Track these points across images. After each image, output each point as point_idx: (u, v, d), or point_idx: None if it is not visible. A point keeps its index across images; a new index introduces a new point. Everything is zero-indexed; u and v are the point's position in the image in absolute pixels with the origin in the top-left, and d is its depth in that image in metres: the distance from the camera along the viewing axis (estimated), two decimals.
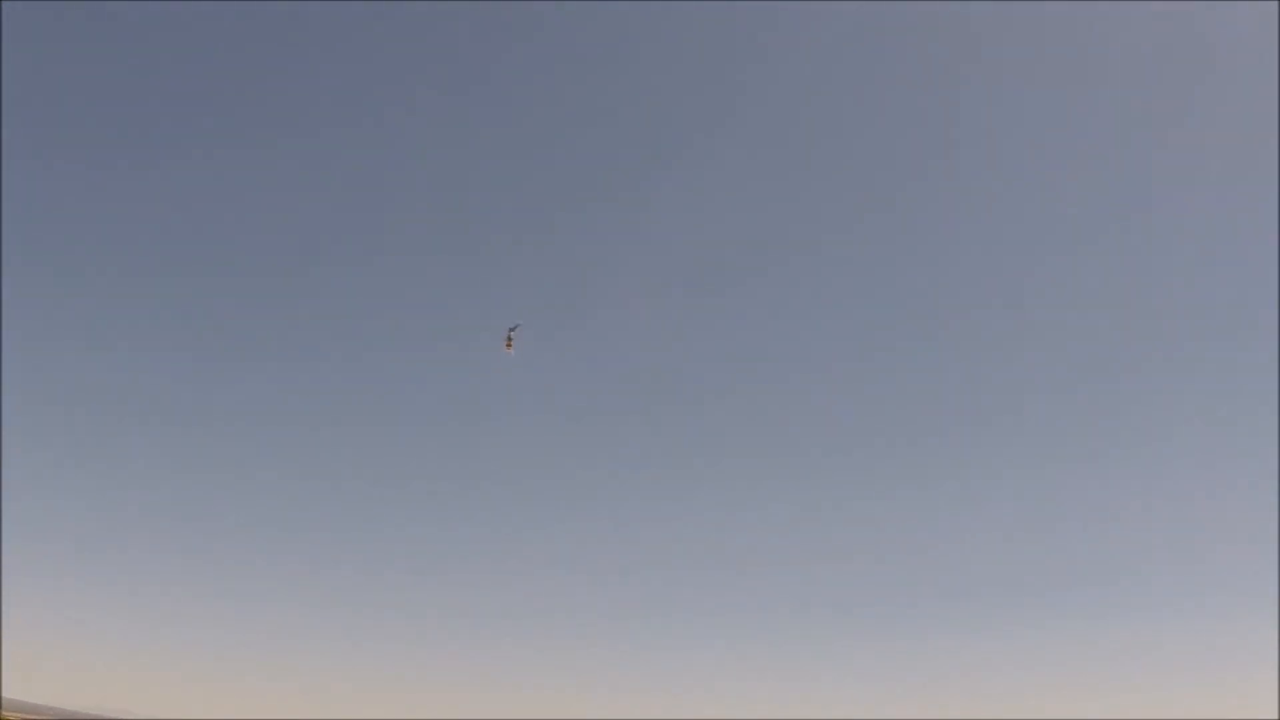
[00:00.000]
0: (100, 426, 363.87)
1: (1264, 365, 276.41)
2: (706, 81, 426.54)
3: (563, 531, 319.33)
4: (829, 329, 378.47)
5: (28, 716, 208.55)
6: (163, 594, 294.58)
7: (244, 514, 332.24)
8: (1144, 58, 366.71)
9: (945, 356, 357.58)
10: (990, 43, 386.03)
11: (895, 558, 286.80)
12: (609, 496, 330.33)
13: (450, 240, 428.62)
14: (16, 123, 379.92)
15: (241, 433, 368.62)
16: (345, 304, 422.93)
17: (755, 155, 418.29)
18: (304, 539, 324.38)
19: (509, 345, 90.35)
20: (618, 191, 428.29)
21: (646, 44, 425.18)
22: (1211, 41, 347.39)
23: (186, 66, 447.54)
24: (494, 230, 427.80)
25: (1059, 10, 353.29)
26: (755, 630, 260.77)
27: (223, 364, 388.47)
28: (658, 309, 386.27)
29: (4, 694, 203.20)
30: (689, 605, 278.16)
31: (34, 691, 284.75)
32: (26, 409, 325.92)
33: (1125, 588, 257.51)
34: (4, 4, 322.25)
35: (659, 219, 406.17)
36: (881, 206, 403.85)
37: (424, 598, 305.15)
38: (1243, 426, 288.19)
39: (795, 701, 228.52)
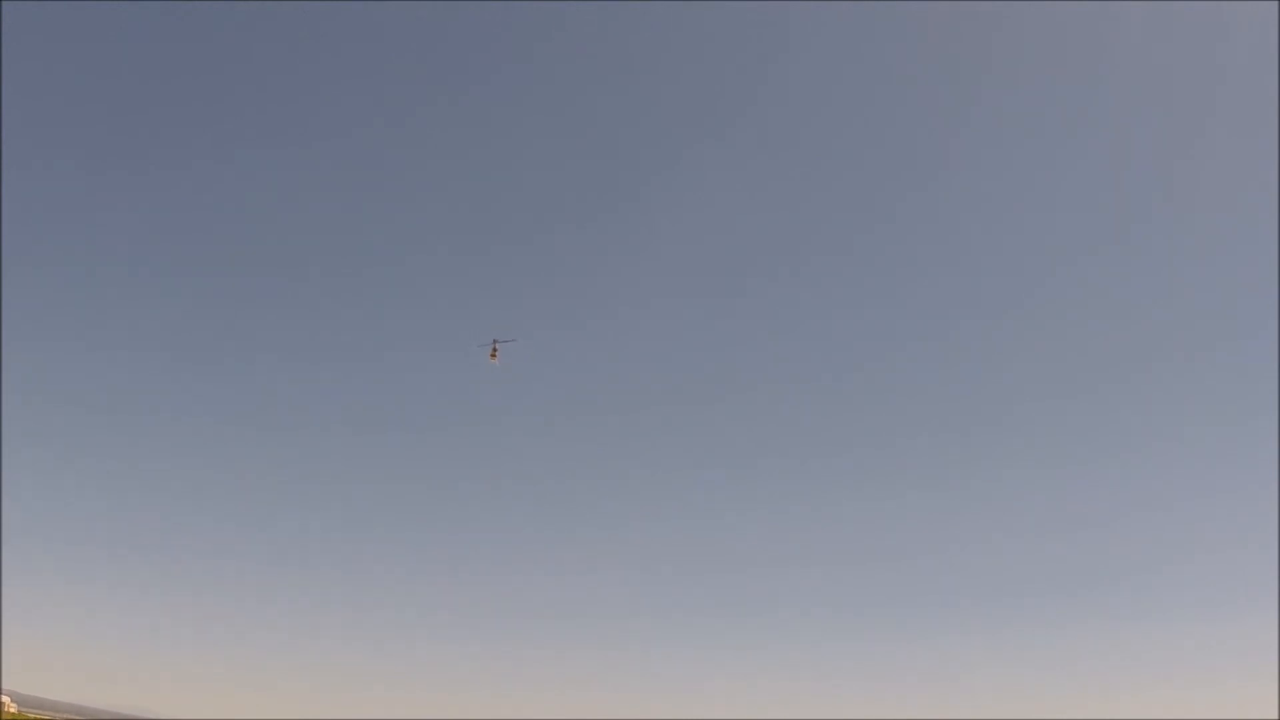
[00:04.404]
0: (100, 426, 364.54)
1: (1264, 368, 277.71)
2: (712, 84, 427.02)
3: (567, 534, 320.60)
4: (834, 331, 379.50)
5: (36, 713, 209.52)
6: (165, 593, 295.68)
7: (246, 514, 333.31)
8: (1143, 58, 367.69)
9: (951, 359, 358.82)
10: (992, 45, 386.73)
11: (899, 560, 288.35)
12: (613, 498, 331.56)
13: (453, 242, 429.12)
14: (16, 123, 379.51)
15: (244, 434, 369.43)
16: (349, 306, 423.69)
17: (759, 159, 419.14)
18: (306, 539, 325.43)
19: (494, 355, 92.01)
20: (621, 195, 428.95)
21: (651, 46, 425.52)
22: (1211, 41, 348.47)
23: (187, 67, 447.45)
24: (497, 233, 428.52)
25: (1056, 11, 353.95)
26: (758, 632, 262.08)
27: (224, 365, 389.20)
28: (660, 313, 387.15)
29: (13, 690, 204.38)
30: (690, 607, 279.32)
31: (41, 687, 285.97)
32: (26, 409, 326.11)
33: (1126, 589, 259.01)
34: (4, 4, 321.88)
35: (663, 222, 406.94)
36: (884, 210, 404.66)
37: (427, 599, 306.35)
38: (1243, 428, 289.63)
39: (798, 703, 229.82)
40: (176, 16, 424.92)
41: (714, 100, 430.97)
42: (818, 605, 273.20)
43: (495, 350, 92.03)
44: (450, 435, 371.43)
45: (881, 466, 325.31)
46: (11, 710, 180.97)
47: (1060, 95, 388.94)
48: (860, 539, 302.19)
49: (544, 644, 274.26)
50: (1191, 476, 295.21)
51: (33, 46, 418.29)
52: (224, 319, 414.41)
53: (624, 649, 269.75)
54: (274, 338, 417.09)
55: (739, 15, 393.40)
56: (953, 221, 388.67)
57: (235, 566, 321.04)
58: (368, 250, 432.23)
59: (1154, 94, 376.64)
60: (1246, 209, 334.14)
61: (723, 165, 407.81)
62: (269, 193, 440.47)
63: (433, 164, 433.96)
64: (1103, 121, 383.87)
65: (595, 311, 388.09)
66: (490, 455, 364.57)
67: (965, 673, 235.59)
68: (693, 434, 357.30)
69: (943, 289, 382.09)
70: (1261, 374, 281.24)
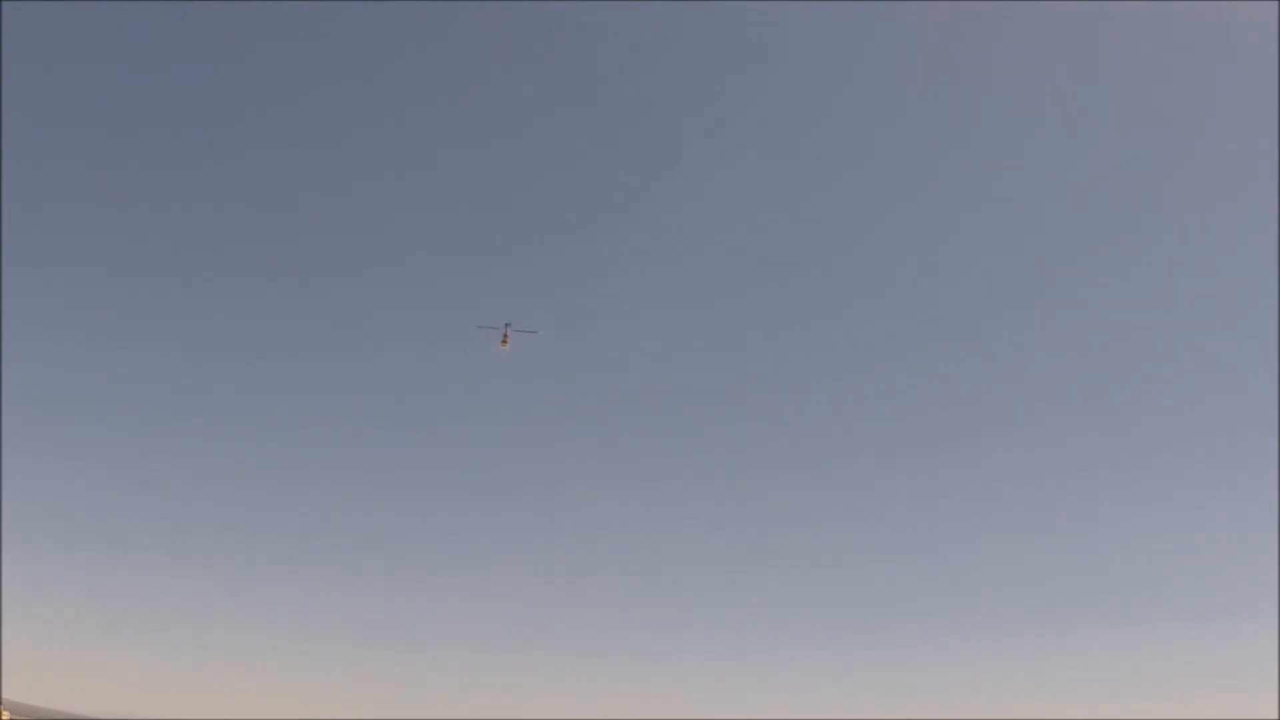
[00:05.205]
0: (100, 427, 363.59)
1: (1264, 370, 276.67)
2: (714, 84, 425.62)
3: (568, 535, 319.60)
4: (833, 334, 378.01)
5: (30, 718, 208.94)
6: (164, 594, 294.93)
7: (245, 515, 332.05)
8: (1142, 58, 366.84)
9: (950, 362, 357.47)
10: (992, 45, 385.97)
11: (899, 563, 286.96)
12: (614, 500, 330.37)
13: (453, 243, 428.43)
14: (16, 123, 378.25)
15: (243, 434, 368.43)
16: (348, 307, 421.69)
17: (761, 160, 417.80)
18: (305, 540, 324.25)
19: (504, 343, 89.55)
20: (622, 196, 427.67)
21: (652, 46, 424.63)
22: (1211, 41, 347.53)
23: (187, 67, 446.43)
24: (497, 234, 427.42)
25: (1055, 11, 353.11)
26: (759, 634, 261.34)
27: (224, 365, 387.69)
28: (661, 314, 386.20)
29: (5, 696, 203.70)
30: (691, 608, 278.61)
31: (34, 694, 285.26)
32: (26, 409, 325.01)
33: (1126, 590, 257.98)
34: (4, 4, 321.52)
35: (664, 224, 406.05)
36: (886, 212, 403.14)
37: (426, 599, 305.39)
38: (1243, 431, 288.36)
39: (799, 705, 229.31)
40: (176, 16, 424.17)
41: (715, 101, 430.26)
42: (821, 608, 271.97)
43: (506, 337, 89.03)
44: (450, 436, 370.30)
45: (882, 470, 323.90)
46: (5, 719, 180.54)
47: (1060, 95, 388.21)
48: (863, 543, 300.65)
49: (543, 645, 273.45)
50: (1191, 479, 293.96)
51: (33, 46, 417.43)
52: (222, 319, 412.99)
53: (622, 651, 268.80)
54: (272, 338, 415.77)
55: (739, 15, 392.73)
56: (950, 224, 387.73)
57: (232, 568, 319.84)
58: (367, 250, 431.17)
59: (1154, 94, 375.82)
60: (1247, 211, 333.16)
61: (724, 166, 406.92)
62: (269, 192, 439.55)
63: (433, 163, 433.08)
64: (1102, 122, 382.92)
65: (596, 313, 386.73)
66: (491, 457, 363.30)
67: (966, 675, 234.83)
68: (692, 437, 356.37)
69: (941, 292, 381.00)
70: (1261, 377, 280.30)
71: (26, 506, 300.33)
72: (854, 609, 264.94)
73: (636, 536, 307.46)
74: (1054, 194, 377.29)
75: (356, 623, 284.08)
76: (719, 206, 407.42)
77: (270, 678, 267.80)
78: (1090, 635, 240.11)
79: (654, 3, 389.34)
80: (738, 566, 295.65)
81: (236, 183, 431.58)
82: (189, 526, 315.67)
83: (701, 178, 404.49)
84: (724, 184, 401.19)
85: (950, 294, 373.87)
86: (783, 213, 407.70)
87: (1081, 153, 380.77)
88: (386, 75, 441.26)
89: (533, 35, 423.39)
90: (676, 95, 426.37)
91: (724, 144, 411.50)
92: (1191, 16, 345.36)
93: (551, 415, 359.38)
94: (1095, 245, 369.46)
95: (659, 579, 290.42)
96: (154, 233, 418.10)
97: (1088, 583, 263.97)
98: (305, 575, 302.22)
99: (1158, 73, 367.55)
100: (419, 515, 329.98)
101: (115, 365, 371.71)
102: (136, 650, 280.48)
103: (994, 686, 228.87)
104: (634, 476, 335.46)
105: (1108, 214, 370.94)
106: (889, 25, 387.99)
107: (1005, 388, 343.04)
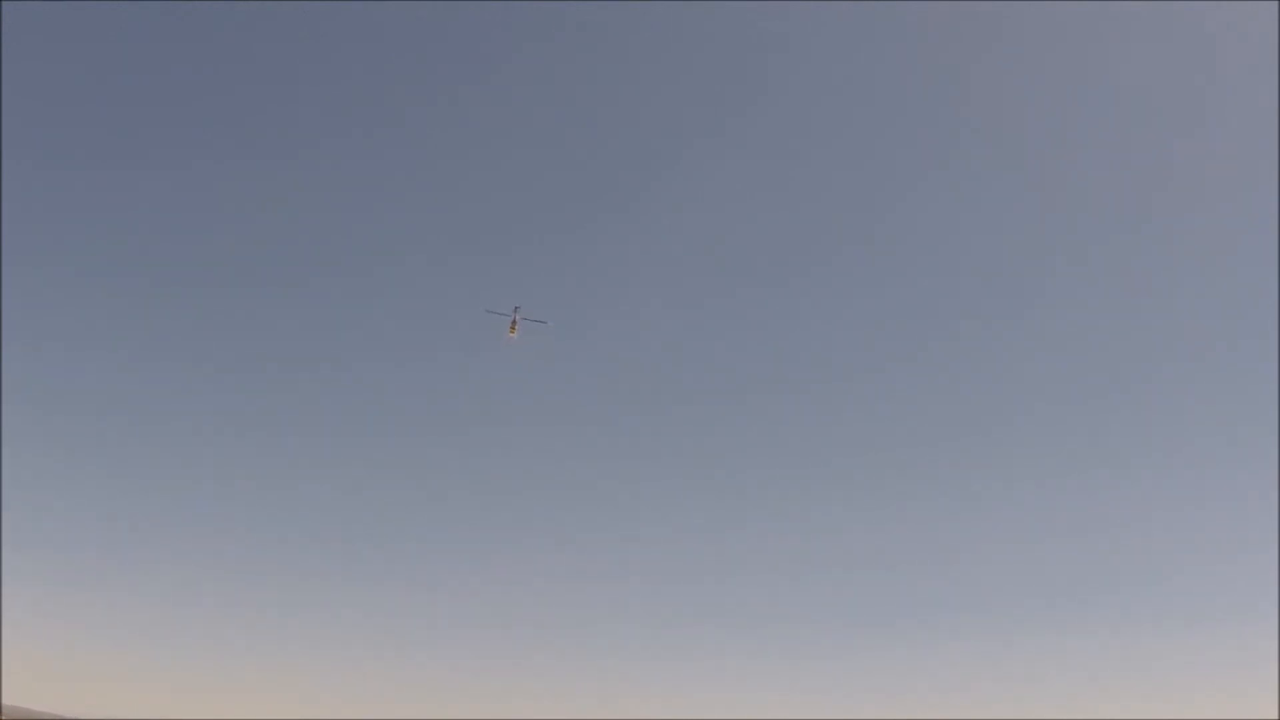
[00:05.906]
0: (100, 429, 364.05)
1: (1264, 370, 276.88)
2: (714, 84, 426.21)
3: (568, 535, 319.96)
4: (835, 333, 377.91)
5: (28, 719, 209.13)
6: (163, 596, 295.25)
7: (246, 515, 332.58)
8: (1142, 58, 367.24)
9: (949, 362, 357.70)
10: (992, 45, 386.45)
11: (898, 563, 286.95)
12: (614, 500, 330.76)
13: (452, 243, 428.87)
14: (16, 123, 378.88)
15: (244, 434, 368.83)
16: (346, 307, 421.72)
17: (761, 160, 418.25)
18: (306, 540, 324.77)
19: (513, 329, 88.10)
20: (622, 195, 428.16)
21: (652, 46, 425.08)
22: (1211, 41, 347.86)
23: (187, 67, 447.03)
24: (496, 234, 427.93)
25: (1055, 11, 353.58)
26: (758, 634, 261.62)
27: (223, 367, 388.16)
28: (660, 314, 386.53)
29: (5, 701, 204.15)
30: (692, 609, 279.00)
31: (34, 698, 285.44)
32: (26, 409, 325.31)
33: (1126, 590, 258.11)
34: (4, 4, 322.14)
35: (664, 223, 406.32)
36: (885, 212, 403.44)
37: (425, 600, 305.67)
38: (1243, 431, 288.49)
39: (799, 705, 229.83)
40: (176, 16, 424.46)
41: (715, 101, 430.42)
42: (820, 608, 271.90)
43: (515, 324, 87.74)
44: (450, 436, 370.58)
45: (882, 471, 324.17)
46: None
47: (1060, 95, 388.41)
48: (863, 543, 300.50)
49: (543, 645, 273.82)
50: (1191, 479, 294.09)
51: (33, 46, 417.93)
52: (223, 319, 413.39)
53: (623, 651, 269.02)
54: (273, 338, 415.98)
55: (739, 15, 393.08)
56: (949, 224, 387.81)
57: (233, 569, 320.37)
58: (367, 250, 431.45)
59: (1154, 94, 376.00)
60: (1247, 211, 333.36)
61: (724, 166, 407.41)
62: (269, 192, 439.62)
63: (432, 163, 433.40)
64: (1102, 122, 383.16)
65: (595, 313, 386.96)
66: (491, 457, 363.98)
67: (965, 675, 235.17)
68: (693, 437, 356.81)
69: (940, 292, 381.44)
70: (1261, 377, 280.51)
71: (26, 506, 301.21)
72: (853, 608, 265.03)
73: (637, 536, 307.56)
74: (1053, 194, 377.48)
75: (357, 622, 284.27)
76: (719, 206, 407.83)
77: (270, 678, 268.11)
78: (1090, 635, 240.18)
79: (654, 3, 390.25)
80: (737, 566, 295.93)
81: (237, 182, 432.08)
82: (189, 527, 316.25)
83: (701, 178, 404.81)
84: (724, 184, 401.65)
85: (949, 294, 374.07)
86: (782, 212, 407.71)
87: (1081, 152, 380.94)
88: (386, 75, 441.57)
89: (533, 35, 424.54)
90: (676, 95, 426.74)
91: (724, 144, 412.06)
92: (1191, 16, 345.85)
93: (551, 415, 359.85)
94: (1095, 245, 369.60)
95: (660, 579, 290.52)
96: (154, 232, 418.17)
97: (1088, 583, 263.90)
98: (305, 575, 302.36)
99: (1158, 73, 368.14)
100: (419, 515, 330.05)
101: (115, 365, 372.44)
102: (136, 651, 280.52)
103: (993, 686, 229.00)
104: (634, 476, 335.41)
105: (1107, 214, 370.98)
106: (889, 25, 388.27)
107: (1004, 388, 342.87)
